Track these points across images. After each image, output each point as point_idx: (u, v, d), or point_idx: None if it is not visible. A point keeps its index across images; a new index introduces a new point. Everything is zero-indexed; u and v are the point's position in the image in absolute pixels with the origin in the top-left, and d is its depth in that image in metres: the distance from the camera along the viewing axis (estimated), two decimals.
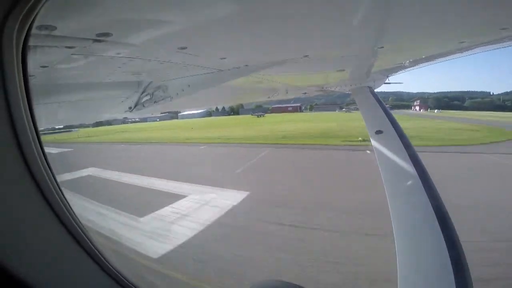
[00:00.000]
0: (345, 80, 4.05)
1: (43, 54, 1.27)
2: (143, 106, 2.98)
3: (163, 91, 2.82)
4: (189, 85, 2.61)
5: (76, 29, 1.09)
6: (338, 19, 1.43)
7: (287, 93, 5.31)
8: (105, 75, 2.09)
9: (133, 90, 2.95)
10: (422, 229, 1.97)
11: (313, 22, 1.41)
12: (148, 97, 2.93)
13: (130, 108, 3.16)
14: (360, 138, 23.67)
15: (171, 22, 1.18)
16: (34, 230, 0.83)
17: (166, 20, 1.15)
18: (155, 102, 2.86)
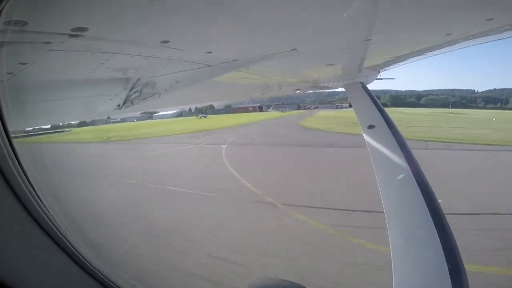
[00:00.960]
0: (337, 75, 4.05)
1: (18, 50, 1.23)
2: (132, 103, 2.94)
3: (151, 87, 2.78)
4: (177, 81, 2.58)
5: (48, 24, 1.05)
6: (324, 11, 1.41)
7: (280, 89, 5.29)
8: (90, 72, 2.04)
9: (122, 87, 2.90)
10: (416, 223, 1.97)
11: (300, 14, 1.39)
12: (136, 94, 2.89)
13: (119, 105, 3.11)
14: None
15: (150, 15, 1.15)
16: (9, 232, 0.80)
17: (144, 13, 1.12)
18: (143, 99, 2.82)
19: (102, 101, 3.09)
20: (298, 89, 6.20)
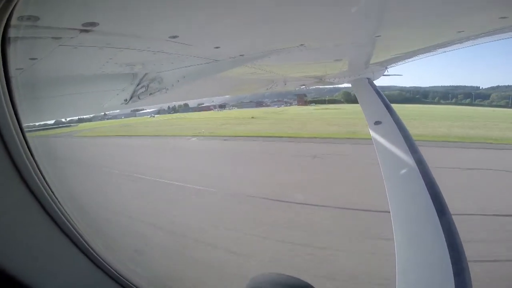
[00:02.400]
0: (343, 71, 4.01)
1: (29, 45, 1.23)
2: (139, 98, 2.95)
3: (158, 82, 2.79)
4: (184, 76, 2.58)
5: (60, 19, 1.05)
6: (334, 7, 1.39)
7: (285, 84, 5.26)
8: (98, 67, 2.05)
9: (129, 82, 2.91)
10: (421, 219, 1.97)
11: (309, 10, 1.37)
12: (143, 89, 2.90)
13: (125, 100, 3.12)
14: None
15: (160, 10, 1.15)
16: (24, 229, 0.82)
17: (154, 7, 1.12)
18: (150, 94, 2.83)
19: (109, 96, 3.11)
20: (304, 85, 6.17)
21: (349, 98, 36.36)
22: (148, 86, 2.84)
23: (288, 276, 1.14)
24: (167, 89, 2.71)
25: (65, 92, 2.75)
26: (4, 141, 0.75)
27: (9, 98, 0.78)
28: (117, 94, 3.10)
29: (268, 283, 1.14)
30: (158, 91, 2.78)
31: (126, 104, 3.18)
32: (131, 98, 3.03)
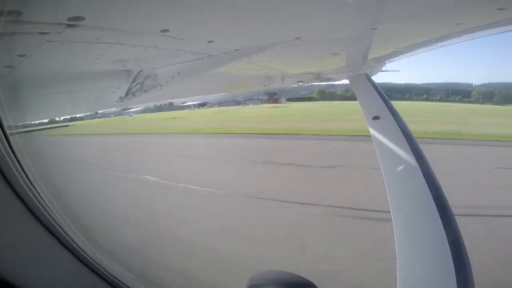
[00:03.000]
0: (341, 66, 3.98)
1: (15, 42, 1.20)
2: (134, 95, 2.91)
3: (153, 79, 2.75)
4: (179, 73, 2.54)
5: (43, 13, 1.02)
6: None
7: (283, 81, 5.23)
8: (90, 64, 2.01)
9: (123, 80, 2.87)
10: (421, 216, 1.95)
11: (304, 2, 1.34)
12: (138, 86, 2.86)
13: (120, 98, 3.08)
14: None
15: (149, 2, 1.11)
16: (10, 230, 0.79)
17: (142, 0, 1.08)
18: (145, 91, 2.80)
19: (104, 93, 3.07)
20: (301, 81, 6.13)
21: (324, 95, 36.96)
22: (143, 83, 2.80)
23: (289, 274, 1.13)
24: (162, 86, 2.67)
25: (59, 90, 2.71)
26: None
27: None
28: (112, 92, 3.06)
29: (269, 281, 1.14)
30: (153, 88, 2.74)
31: (121, 101, 3.14)
32: (126, 95, 2.99)
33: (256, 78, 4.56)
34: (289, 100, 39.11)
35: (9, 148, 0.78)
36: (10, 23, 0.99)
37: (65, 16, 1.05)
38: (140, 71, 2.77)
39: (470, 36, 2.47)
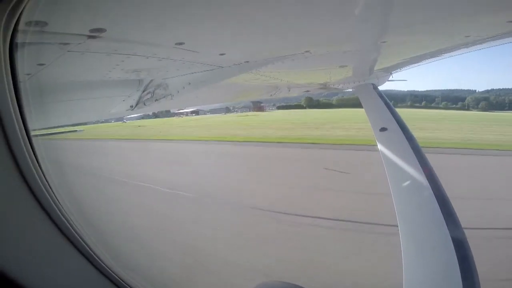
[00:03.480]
0: (348, 77, 4.00)
1: (37, 51, 1.25)
2: (144, 104, 2.98)
3: (164, 89, 2.81)
4: (189, 83, 2.59)
5: (68, 25, 1.07)
6: (340, 13, 1.40)
7: (289, 91, 5.27)
8: (105, 73, 2.07)
9: (135, 89, 2.94)
10: (428, 227, 1.92)
11: (315, 16, 1.37)
12: (149, 95, 2.92)
13: (131, 106, 3.15)
14: None
15: (167, 17, 1.16)
16: (26, 232, 0.81)
17: (161, 14, 1.13)
18: (156, 100, 2.85)
19: (116, 102, 3.14)
20: (307, 90, 6.17)
21: (311, 103, 38.26)
22: (154, 92, 2.86)
23: (293, 285, 1.12)
24: (173, 95, 2.73)
25: (72, 98, 2.78)
26: (9, 144, 0.75)
27: (17, 103, 0.78)
28: (123, 100, 3.13)
29: None
30: (164, 97, 2.80)
31: (132, 110, 3.21)
32: (137, 104, 3.05)
33: (263, 88, 4.61)
34: (279, 108, 40.27)
35: (31, 151, 0.81)
36: (36, 33, 1.04)
37: (88, 27, 1.10)
38: (151, 80, 2.83)
39: (479, 47, 2.47)
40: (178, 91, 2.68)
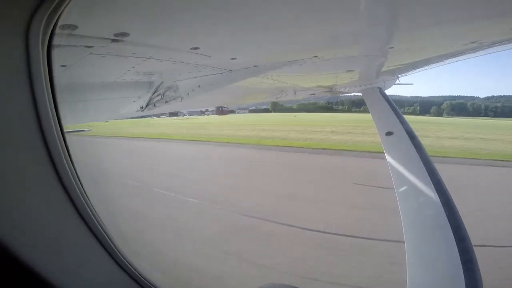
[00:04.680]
0: (354, 81, 4.03)
1: (63, 53, 1.32)
2: (154, 106, 3.05)
3: (174, 91, 2.88)
4: (199, 86, 2.66)
5: (95, 28, 1.13)
6: (348, 20, 1.44)
7: (295, 94, 5.31)
8: (120, 75, 2.15)
9: (145, 90, 3.01)
10: (433, 231, 1.92)
11: (323, 23, 1.42)
12: (159, 97, 3.00)
13: (141, 107, 3.23)
14: None
15: (185, 23, 1.22)
16: (56, 227, 0.85)
17: (179, 21, 1.19)
18: (166, 102, 2.92)
19: (126, 103, 3.22)
20: (313, 94, 6.20)
21: (275, 107, 41.52)
22: (164, 94, 2.93)
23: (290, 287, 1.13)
24: (182, 97, 2.79)
25: (85, 99, 2.86)
26: (46, 141, 0.80)
27: (53, 102, 0.84)
28: (134, 101, 3.20)
29: None
30: (174, 99, 2.86)
31: (142, 111, 3.28)
32: (147, 105, 3.13)
33: (269, 91, 4.66)
34: (251, 111, 43.07)
35: (65, 149, 0.86)
36: (65, 35, 1.10)
37: (113, 31, 1.16)
38: (162, 82, 2.90)
39: (485, 52, 2.49)
40: (188, 94, 2.75)
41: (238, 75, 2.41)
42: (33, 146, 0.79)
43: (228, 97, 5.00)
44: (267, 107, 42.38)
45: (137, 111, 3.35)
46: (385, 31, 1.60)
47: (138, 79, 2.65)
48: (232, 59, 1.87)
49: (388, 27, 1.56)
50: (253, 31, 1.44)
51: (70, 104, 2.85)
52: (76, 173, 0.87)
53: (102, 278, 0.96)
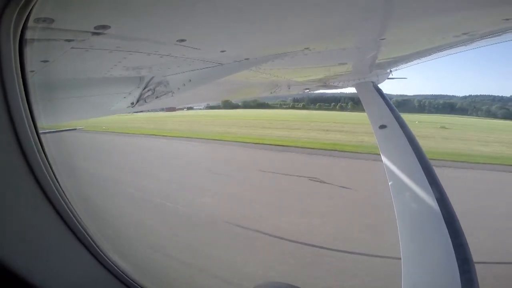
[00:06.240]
0: (348, 74, 4.02)
1: (42, 48, 1.27)
2: (145, 101, 2.99)
3: (164, 86, 2.82)
4: (190, 80, 2.61)
5: (74, 21, 1.09)
6: (338, 10, 1.42)
7: (289, 88, 5.29)
8: (107, 70, 2.09)
9: (135, 86, 2.95)
10: (428, 225, 1.93)
11: (314, 14, 1.39)
12: (150, 93, 2.94)
13: (132, 103, 3.16)
14: None
15: (169, 14, 1.18)
16: (35, 228, 0.83)
17: (163, 12, 1.15)
18: (156, 97, 2.87)
19: (116, 99, 3.15)
20: (307, 88, 6.19)
21: (227, 104, 42.52)
22: (154, 89, 2.87)
23: (290, 286, 1.13)
24: (173, 92, 2.74)
25: (73, 95, 2.79)
26: (20, 141, 0.77)
27: (26, 100, 0.80)
28: (124, 97, 3.14)
29: None
30: (164, 94, 2.81)
31: (132, 107, 3.22)
32: (137, 101, 3.07)
33: (262, 85, 4.63)
34: (208, 108, 43.75)
35: (40, 147, 0.83)
36: (41, 29, 1.06)
37: (93, 24, 1.12)
38: (152, 77, 2.85)
39: (476, 45, 2.50)
40: (179, 88, 2.70)
41: (229, 68, 2.38)
42: (6, 147, 0.76)
43: (221, 92, 4.95)
44: (217, 104, 43.37)
45: (127, 107, 3.28)
46: (376, 21, 1.58)
47: (127, 74, 2.59)
48: (222, 51, 1.82)
49: (379, 18, 1.54)
50: (242, 22, 1.40)
51: (58, 102, 2.78)
52: (53, 172, 0.85)
53: (84, 278, 0.94)
